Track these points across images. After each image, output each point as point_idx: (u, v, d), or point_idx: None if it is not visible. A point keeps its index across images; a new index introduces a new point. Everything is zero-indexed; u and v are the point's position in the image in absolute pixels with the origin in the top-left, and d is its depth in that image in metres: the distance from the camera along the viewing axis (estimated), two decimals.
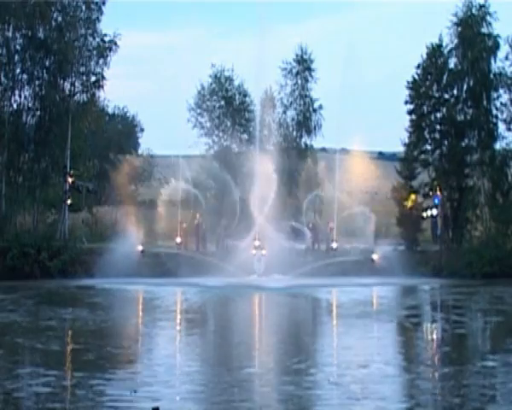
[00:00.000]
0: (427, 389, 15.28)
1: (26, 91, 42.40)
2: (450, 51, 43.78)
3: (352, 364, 17.41)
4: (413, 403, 14.13)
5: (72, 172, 42.42)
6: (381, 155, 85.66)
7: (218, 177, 41.19)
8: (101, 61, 42.84)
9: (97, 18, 42.92)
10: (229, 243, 41.60)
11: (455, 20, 43.43)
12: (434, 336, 23.06)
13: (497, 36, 43.42)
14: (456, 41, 43.56)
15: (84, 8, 42.76)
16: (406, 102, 43.81)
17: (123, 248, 36.74)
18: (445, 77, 43.65)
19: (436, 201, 42.85)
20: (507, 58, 43.25)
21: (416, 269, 38.50)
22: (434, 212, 43.03)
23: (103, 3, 42.84)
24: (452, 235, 42.93)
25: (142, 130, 70.45)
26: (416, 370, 17.00)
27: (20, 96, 42.24)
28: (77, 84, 42.93)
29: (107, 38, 42.84)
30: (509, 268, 38.20)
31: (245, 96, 48.59)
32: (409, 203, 43.28)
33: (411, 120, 43.81)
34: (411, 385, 15.55)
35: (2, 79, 41.70)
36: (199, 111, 48.05)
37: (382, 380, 15.78)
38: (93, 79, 42.94)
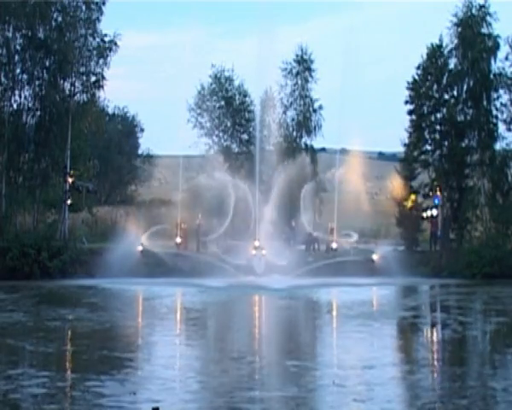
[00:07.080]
0: (434, 390, 15.28)
1: (26, 91, 42.40)
2: (450, 52, 43.78)
3: (357, 365, 17.39)
4: (419, 405, 14.05)
5: (72, 172, 42.35)
6: (381, 155, 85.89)
7: (217, 177, 41.09)
8: (101, 61, 42.76)
9: (97, 18, 42.84)
10: (228, 244, 41.59)
11: (455, 20, 43.43)
12: (438, 337, 23.04)
13: (497, 36, 43.44)
14: (456, 41, 43.54)
15: (84, 8, 42.67)
16: (406, 103, 43.85)
17: (123, 249, 36.76)
18: (445, 77, 43.67)
19: (436, 201, 42.86)
20: (507, 58, 43.27)
21: (415, 269, 38.60)
22: (434, 212, 43.03)
23: (103, 3, 42.77)
24: (452, 235, 42.92)
25: (142, 130, 70.43)
26: (420, 371, 16.99)
27: (20, 96, 42.22)
28: (77, 84, 42.87)
29: (107, 39, 42.77)
30: (508, 269, 38.22)
31: (245, 96, 48.56)
32: (409, 203, 43.30)
33: (411, 121, 43.82)
34: (417, 386, 15.50)
35: (2, 79, 41.63)
36: (199, 111, 48.00)
37: (388, 381, 15.77)
38: (93, 79, 42.84)
